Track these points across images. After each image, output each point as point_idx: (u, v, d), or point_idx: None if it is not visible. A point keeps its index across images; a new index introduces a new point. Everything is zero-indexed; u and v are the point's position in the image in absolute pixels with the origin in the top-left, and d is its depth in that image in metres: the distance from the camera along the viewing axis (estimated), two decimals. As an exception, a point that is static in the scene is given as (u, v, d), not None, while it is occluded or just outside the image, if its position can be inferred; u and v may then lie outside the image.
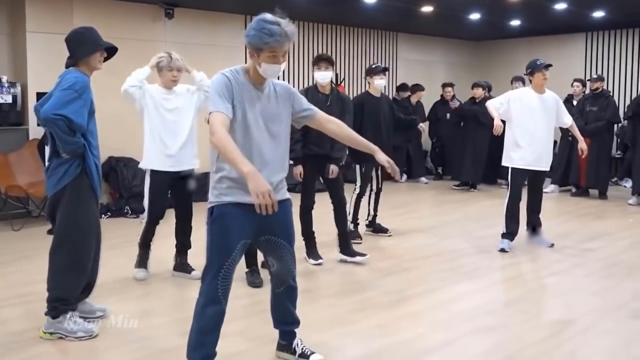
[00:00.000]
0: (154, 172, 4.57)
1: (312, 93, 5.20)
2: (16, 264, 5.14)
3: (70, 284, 3.55)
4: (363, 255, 5.27)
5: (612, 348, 3.54)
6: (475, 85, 9.48)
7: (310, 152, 5.17)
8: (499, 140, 6.09)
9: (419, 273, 5.05)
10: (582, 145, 5.83)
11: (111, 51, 3.65)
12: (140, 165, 4.68)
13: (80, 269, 3.55)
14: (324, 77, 5.21)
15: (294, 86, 5.60)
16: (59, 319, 3.53)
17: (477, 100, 9.38)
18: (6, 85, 6.82)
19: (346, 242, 5.29)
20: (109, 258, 4.41)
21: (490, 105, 5.82)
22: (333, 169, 5.26)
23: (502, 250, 5.66)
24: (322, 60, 5.22)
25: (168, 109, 4.56)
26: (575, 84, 9.25)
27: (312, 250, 5.25)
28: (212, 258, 2.82)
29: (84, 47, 3.52)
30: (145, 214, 4.58)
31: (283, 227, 3.00)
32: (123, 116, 6.59)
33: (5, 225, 6.47)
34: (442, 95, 10.46)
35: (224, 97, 2.72)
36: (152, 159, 4.57)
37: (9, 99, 6.75)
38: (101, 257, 3.82)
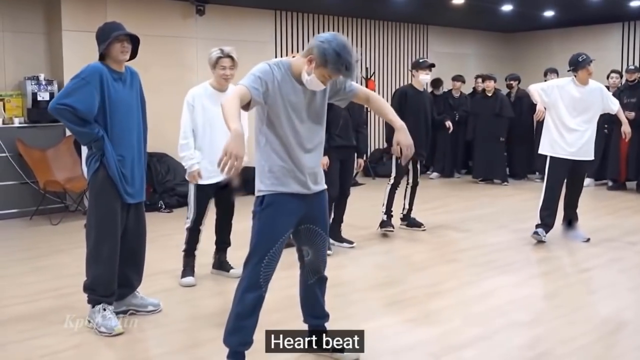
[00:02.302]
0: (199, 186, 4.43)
1: None
2: (54, 257, 5.26)
3: (94, 275, 3.60)
4: (351, 242, 5.50)
5: (652, 344, 3.47)
6: (486, 78, 9.44)
7: (335, 143, 5.31)
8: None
9: (453, 267, 5.02)
10: (626, 128, 5.72)
11: (135, 42, 3.59)
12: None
13: (101, 261, 3.56)
14: None
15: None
16: (94, 309, 3.61)
17: (488, 94, 9.31)
18: (44, 82, 6.97)
19: (337, 229, 5.50)
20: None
21: (534, 90, 5.66)
22: (361, 163, 5.61)
23: (536, 234, 5.54)
24: None
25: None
26: (613, 74, 9.05)
27: (338, 235, 5.48)
28: (258, 245, 2.86)
29: (102, 42, 3.51)
30: (190, 219, 4.47)
31: (322, 216, 3.08)
32: (155, 111, 6.68)
33: (44, 220, 6.63)
34: (474, 88, 10.32)
35: (257, 80, 2.72)
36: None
37: (47, 97, 6.90)
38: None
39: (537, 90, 5.64)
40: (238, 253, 3.91)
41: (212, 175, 4.32)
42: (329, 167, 5.28)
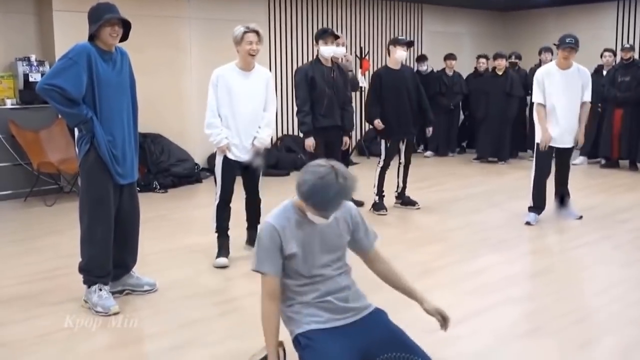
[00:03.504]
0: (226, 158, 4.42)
1: (316, 66, 5.45)
2: (50, 238, 5.27)
3: (89, 256, 3.61)
4: None
5: (642, 319, 3.52)
6: (497, 56, 9.32)
7: (320, 123, 5.37)
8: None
9: (447, 245, 5.06)
10: (580, 137, 5.65)
11: (126, 26, 3.54)
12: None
13: (95, 242, 3.58)
14: (330, 51, 5.44)
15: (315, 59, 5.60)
16: (89, 290, 3.63)
17: (499, 72, 9.26)
18: (35, 63, 6.91)
19: None
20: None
21: (537, 114, 5.58)
22: (346, 141, 5.68)
23: (528, 223, 5.63)
24: (329, 35, 5.38)
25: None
26: (606, 53, 9.04)
27: None
28: None
29: (92, 23, 3.47)
30: (218, 195, 4.46)
31: (393, 338, 2.64)
32: (148, 92, 6.66)
33: (38, 201, 6.62)
34: (475, 68, 10.27)
35: (269, 253, 2.54)
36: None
37: (38, 77, 6.84)
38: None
39: (538, 109, 5.55)
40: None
41: (236, 155, 4.38)
42: (315, 149, 5.39)
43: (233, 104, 4.33)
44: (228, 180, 4.45)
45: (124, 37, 3.57)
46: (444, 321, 2.72)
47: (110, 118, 3.53)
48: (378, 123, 5.96)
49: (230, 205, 4.52)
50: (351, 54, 9.64)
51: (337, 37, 5.54)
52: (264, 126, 4.47)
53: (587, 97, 5.61)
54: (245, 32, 4.28)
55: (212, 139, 4.37)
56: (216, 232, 4.52)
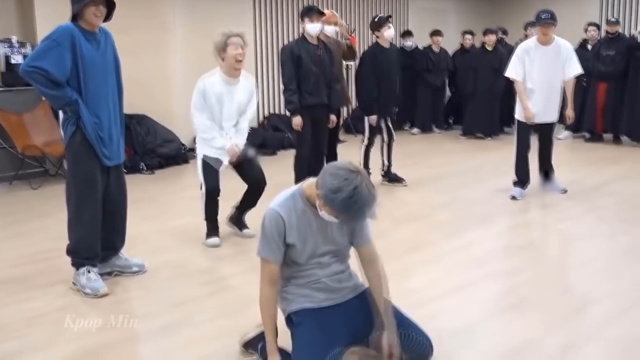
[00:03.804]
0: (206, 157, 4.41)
1: (302, 43, 5.43)
2: (37, 222, 5.25)
3: (77, 238, 3.62)
4: None
5: (624, 289, 3.59)
6: (487, 32, 9.29)
7: (306, 102, 5.38)
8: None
9: (434, 221, 5.11)
10: (569, 112, 5.71)
11: (110, 6, 3.49)
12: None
13: (83, 224, 3.58)
14: (315, 29, 5.41)
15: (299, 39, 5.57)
16: (78, 271, 3.65)
17: (488, 48, 9.24)
18: (16, 45, 6.82)
19: None
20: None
21: (517, 88, 5.61)
22: (333, 119, 5.68)
23: (513, 197, 5.69)
24: (315, 12, 5.35)
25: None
26: (590, 28, 9.05)
27: None
28: None
29: (76, 3, 3.41)
30: (203, 188, 4.40)
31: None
32: (134, 73, 6.59)
33: (24, 185, 6.59)
34: (461, 44, 10.25)
35: (272, 241, 2.52)
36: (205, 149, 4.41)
37: (20, 59, 6.75)
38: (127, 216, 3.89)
39: (520, 86, 5.57)
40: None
41: (218, 154, 4.36)
42: (303, 127, 5.41)
43: (217, 115, 4.32)
44: (212, 176, 4.40)
45: (107, 18, 3.53)
46: (390, 357, 2.55)
47: (96, 99, 3.51)
48: (373, 120, 5.99)
49: (219, 198, 4.45)
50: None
51: (322, 14, 5.51)
52: (239, 132, 4.43)
53: (575, 70, 5.58)
54: (229, 37, 4.17)
55: (215, 145, 4.32)
56: (205, 219, 4.53)
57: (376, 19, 6.02)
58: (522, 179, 5.78)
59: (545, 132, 5.81)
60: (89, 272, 3.63)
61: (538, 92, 5.55)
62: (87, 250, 3.63)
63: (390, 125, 6.27)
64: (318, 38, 5.50)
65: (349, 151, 7.78)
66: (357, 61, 6.30)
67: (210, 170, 4.40)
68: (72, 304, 3.49)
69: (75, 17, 3.45)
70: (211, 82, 4.26)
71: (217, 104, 4.29)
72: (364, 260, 2.69)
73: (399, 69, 6.18)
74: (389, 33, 5.94)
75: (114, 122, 3.65)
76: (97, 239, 3.66)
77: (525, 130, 5.68)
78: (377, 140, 6.26)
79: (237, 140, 4.41)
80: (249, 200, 4.58)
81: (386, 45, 6.02)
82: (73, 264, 3.68)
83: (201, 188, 4.44)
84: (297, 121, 5.40)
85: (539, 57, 5.52)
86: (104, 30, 3.62)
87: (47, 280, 3.84)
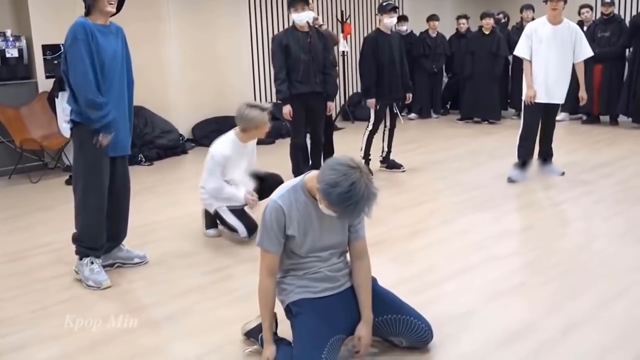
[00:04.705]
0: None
1: (291, 32, 5.45)
2: (38, 215, 5.27)
3: (83, 225, 3.64)
4: None
5: (622, 270, 3.62)
6: (484, 15, 9.26)
7: (297, 90, 5.38)
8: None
9: (433, 206, 5.13)
10: (582, 93, 5.74)
11: None
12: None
13: (89, 211, 3.60)
14: (301, 18, 5.41)
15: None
16: (82, 262, 3.67)
17: (486, 32, 9.21)
18: (11, 39, 6.79)
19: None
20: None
21: (525, 67, 5.61)
22: (330, 106, 5.69)
23: (510, 180, 5.70)
24: (299, 2, 5.34)
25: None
26: (584, 10, 9.03)
27: None
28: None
29: None
30: (243, 232, 4.29)
31: (383, 302, 2.72)
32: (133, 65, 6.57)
33: (23, 178, 6.59)
34: (457, 29, 10.22)
35: (272, 232, 2.53)
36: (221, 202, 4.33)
37: (15, 53, 6.74)
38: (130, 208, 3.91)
39: (528, 65, 5.56)
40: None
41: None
42: (294, 116, 5.41)
43: (234, 172, 4.31)
44: (244, 215, 4.35)
45: (118, 9, 3.56)
46: (357, 346, 2.62)
47: (109, 91, 3.53)
48: (371, 104, 6.00)
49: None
50: (332, 18, 9.57)
51: (307, 2, 5.46)
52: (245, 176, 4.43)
53: (587, 53, 5.62)
54: (267, 121, 4.19)
55: (233, 198, 4.28)
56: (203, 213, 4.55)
57: (384, 4, 6.04)
58: (523, 160, 5.76)
59: (550, 113, 5.78)
60: (92, 263, 3.65)
61: (549, 71, 5.52)
62: (92, 240, 3.65)
63: (397, 112, 6.28)
64: (310, 25, 5.47)
65: (348, 138, 7.81)
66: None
67: (238, 212, 4.32)
68: (75, 296, 3.51)
69: (87, 13, 3.48)
70: (227, 152, 4.21)
71: (232, 167, 4.29)
72: (354, 255, 2.72)
73: (403, 56, 6.15)
74: (388, 21, 5.95)
75: (123, 115, 3.68)
76: (101, 229, 3.68)
77: (532, 112, 5.66)
78: (381, 126, 6.26)
79: (247, 186, 4.36)
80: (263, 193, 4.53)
81: (387, 31, 6.03)
82: (77, 253, 3.70)
83: (236, 231, 4.31)
84: (286, 110, 5.40)
85: (551, 37, 5.49)
86: (116, 25, 3.64)
87: (49, 273, 3.87)
